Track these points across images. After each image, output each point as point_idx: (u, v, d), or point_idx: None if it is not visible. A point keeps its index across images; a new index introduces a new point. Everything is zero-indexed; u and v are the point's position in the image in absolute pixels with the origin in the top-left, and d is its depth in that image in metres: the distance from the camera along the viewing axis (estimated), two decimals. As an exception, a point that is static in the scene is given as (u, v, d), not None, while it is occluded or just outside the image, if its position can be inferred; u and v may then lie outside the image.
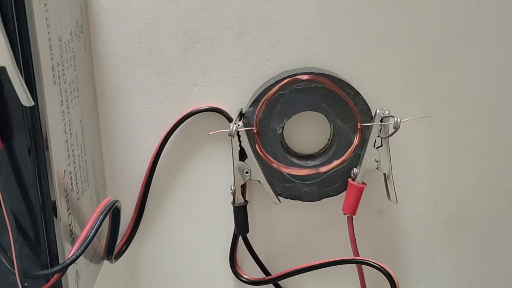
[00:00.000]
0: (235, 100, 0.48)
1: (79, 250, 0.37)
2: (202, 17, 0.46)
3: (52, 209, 0.36)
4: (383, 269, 0.45)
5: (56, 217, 0.37)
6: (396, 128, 0.43)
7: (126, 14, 0.46)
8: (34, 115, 0.34)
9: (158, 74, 0.47)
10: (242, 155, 0.46)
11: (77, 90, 0.42)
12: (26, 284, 0.35)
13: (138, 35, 0.46)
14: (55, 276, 0.36)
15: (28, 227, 0.36)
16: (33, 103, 0.33)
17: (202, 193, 0.50)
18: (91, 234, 0.38)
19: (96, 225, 0.39)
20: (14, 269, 0.34)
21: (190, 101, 0.48)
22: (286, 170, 0.47)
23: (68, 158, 0.39)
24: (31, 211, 0.36)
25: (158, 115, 0.48)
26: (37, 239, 0.36)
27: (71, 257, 0.37)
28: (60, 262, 0.37)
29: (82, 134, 0.43)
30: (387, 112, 0.45)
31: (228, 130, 0.44)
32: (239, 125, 0.45)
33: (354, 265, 0.49)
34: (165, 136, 0.48)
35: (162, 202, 0.50)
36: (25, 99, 0.33)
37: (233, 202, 0.47)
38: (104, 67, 0.47)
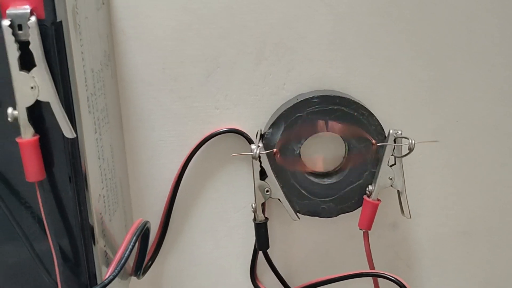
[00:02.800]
0: (254, 122, 0.50)
1: (116, 270, 0.40)
2: (223, 44, 0.49)
3: (90, 232, 0.38)
4: (398, 282, 0.48)
5: (94, 239, 0.39)
6: (411, 149, 0.46)
7: (150, 42, 0.48)
8: (74, 145, 0.37)
9: (181, 98, 0.50)
10: (262, 175, 0.49)
11: (107, 116, 0.45)
12: (69, 304, 0.37)
13: (162, 61, 0.49)
14: (94, 295, 0.39)
15: (69, 250, 0.38)
16: (75, 135, 0.35)
17: (224, 211, 0.52)
18: (125, 255, 0.41)
19: (130, 246, 0.41)
20: (57, 290, 0.37)
21: (212, 123, 0.50)
22: (304, 188, 0.49)
23: (102, 182, 0.42)
24: (71, 235, 0.38)
25: (181, 137, 0.50)
26: (77, 260, 0.39)
27: (108, 277, 0.39)
28: (98, 282, 0.39)
29: (112, 158, 0.45)
30: (399, 132, 0.48)
31: (252, 153, 0.46)
32: (259, 146, 0.48)
33: (370, 278, 0.51)
34: (188, 157, 0.50)
35: (185, 220, 0.52)
36: (68, 131, 0.35)
37: (254, 219, 0.50)
38: (129, 93, 0.49)
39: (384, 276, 0.48)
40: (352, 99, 0.48)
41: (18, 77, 0.34)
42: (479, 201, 0.53)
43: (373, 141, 0.48)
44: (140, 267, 0.48)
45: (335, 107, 0.48)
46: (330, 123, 0.48)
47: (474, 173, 0.52)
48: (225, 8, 0.48)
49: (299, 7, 0.48)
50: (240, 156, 0.51)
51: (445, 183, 0.52)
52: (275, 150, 0.48)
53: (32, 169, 0.35)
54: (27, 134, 0.35)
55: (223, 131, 0.50)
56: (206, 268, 0.54)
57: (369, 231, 0.49)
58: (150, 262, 0.51)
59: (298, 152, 0.49)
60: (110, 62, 0.47)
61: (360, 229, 0.49)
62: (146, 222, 0.44)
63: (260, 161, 0.48)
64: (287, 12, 0.48)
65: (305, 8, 0.48)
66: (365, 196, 0.49)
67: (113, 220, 0.45)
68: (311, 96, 0.48)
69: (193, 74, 0.49)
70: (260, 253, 0.52)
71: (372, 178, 0.49)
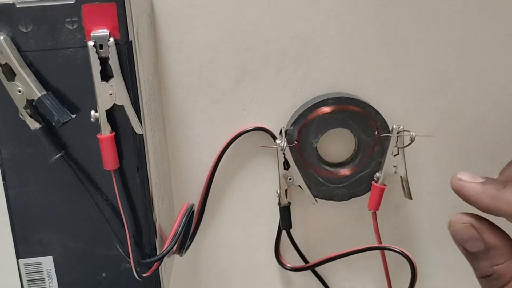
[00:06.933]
0: (276, 121, 0.59)
1: (171, 244, 0.48)
2: (250, 55, 0.57)
3: (151, 213, 0.47)
4: (403, 253, 0.56)
5: (154, 218, 0.47)
6: (412, 140, 0.54)
7: (188, 54, 0.57)
8: (141, 141, 0.45)
9: (214, 102, 0.58)
10: (286, 165, 0.57)
11: (157, 117, 0.53)
12: (138, 269, 0.45)
13: (198, 71, 0.57)
14: (155, 263, 0.47)
15: (135, 226, 0.47)
16: (142, 132, 0.44)
17: (251, 198, 0.61)
18: (179, 231, 0.49)
19: (182, 223, 0.49)
20: (129, 258, 0.45)
21: (241, 122, 0.59)
22: (321, 176, 0.58)
23: (157, 172, 0.50)
24: (136, 214, 0.46)
25: (215, 135, 0.59)
26: (140, 235, 0.47)
27: (166, 248, 0.48)
28: (158, 253, 0.47)
29: (160, 152, 0.54)
30: (401, 127, 0.56)
31: (279, 146, 0.55)
32: (283, 140, 0.56)
33: (378, 253, 0.59)
34: (221, 152, 0.59)
35: (218, 206, 0.61)
36: (138, 128, 0.44)
37: (279, 203, 0.58)
38: (171, 98, 0.58)
39: (391, 249, 0.57)
40: (361, 99, 0.57)
41: (100, 86, 0.42)
42: (470, 185, 0.62)
43: (379, 135, 0.57)
44: (184, 246, 0.56)
45: (346, 107, 0.56)
46: (343, 120, 0.57)
47: (465, 162, 0.61)
48: (252, 25, 0.56)
49: (314, 24, 0.56)
50: (265, 151, 0.59)
51: (440, 170, 0.61)
52: (296, 143, 0.56)
53: (109, 159, 0.44)
54: (106, 132, 0.43)
55: (250, 129, 0.59)
56: (236, 247, 0.62)
57: (376, 212, 0.58)
58: (189, 242, 0.60)
59: (315, 145, 0.57)
60: (156, 72, 0.55)
61: (369, 210, 0.58)
62: (192, 205, 0.52)
63: (284, 153, 0.57)
64: (304, 28, 0.57)
65: (319, 24, 0.56)
66: (373, 182, 0.58)
67: (164, 204, 0.53)
68: (326, 98, 0.56)
69: (224, 81, 0.58)
70: (283, 233, 0.61)
71: (378, 166, 0.58)
